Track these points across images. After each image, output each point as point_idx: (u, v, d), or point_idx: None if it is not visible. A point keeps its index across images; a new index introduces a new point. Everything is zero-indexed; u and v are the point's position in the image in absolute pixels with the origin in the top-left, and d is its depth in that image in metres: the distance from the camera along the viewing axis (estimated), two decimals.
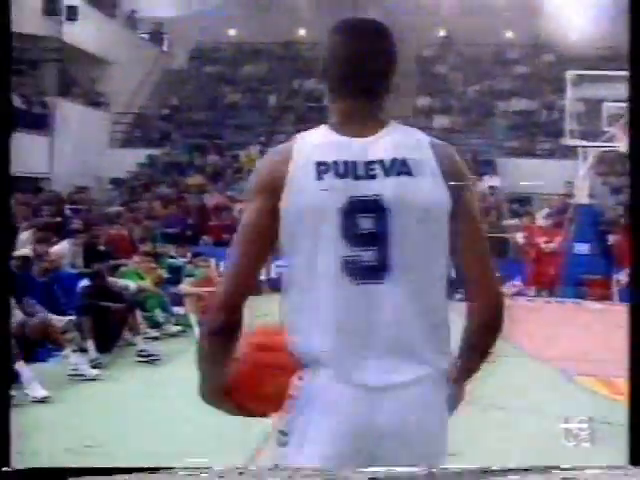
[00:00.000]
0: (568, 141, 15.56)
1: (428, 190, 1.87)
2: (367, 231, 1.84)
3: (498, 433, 5.84)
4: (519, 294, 15.21)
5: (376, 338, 1.83)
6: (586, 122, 15.48)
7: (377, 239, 1.84)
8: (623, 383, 7.59)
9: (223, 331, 1.89)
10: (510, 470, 2.31)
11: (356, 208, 1.84)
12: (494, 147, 21.21)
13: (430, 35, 25.13)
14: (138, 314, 8.96)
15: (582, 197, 15.61)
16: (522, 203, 19.04)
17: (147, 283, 9.99)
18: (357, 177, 1.86)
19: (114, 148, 21.84)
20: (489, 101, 23.20)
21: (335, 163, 1.86)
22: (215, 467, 2.46)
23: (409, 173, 1.86)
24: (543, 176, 18.82)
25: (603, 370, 8.16)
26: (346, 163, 1.86)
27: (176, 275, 11.08)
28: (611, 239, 15.80)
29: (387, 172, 1.85)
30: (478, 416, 6.21)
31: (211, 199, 18.12)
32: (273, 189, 1.88)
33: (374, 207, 1.83)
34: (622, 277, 15.26)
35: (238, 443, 5.10)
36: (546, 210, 16.62)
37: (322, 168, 1.85)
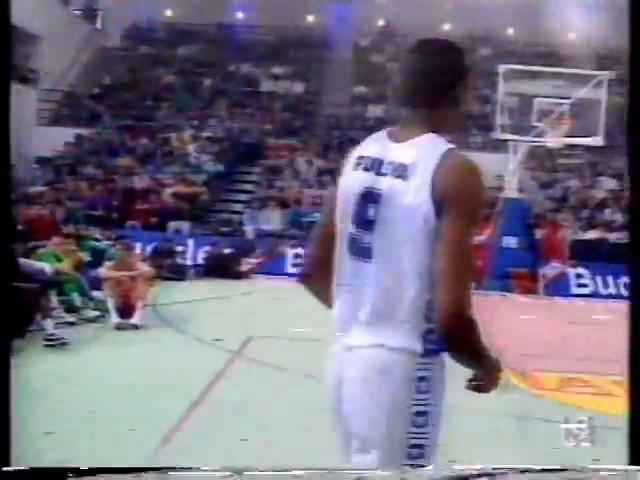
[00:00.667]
0: (499, 135, 15.62)
1: (412, 195, 2.10)
2: (368, 217, 2.17)
3: None
4: None
5: (360, 307, 2.17)
6: (517, 117, 15.57)
7: (372, 225, 2.16)
8: (543, 377, 7.59)
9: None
10: (510, 470, 2.22)
11: (366, 197, 2.18)
12: None
13: (368, 25, 25.04)
14: (53, 298, 8.59)
15: (511, 191, 15.70)
16: None
17: (65, 266, 9.65)
18: (378, 173, 2.19)
19: (42, 126, 21.13)
20: None
21: (368, 158, 2.23)
22: (216, 468, 2.49)
23: (403, 177, 2.12)
24: None
25: (524, 364, 8.14)
26: (374, 160, 2.21)
27: (99, 258, 10.87)
28: (539, 233, 15.93)
29: (392, 172, 2.15)
30: None
31: (140, 182, 17.69)
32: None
33: (375, 199, 2.16)
34: (548, 271, 15.43)
35: (150, 429, 5.04)
36: None
37: (358, 161, 2.25)
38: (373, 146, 2.27)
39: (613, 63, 20.93)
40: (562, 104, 14.75)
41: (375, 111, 22.27)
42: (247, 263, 14.58)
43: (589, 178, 19.84)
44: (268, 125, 20.98)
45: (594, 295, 15.41)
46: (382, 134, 2.30)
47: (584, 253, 15.90)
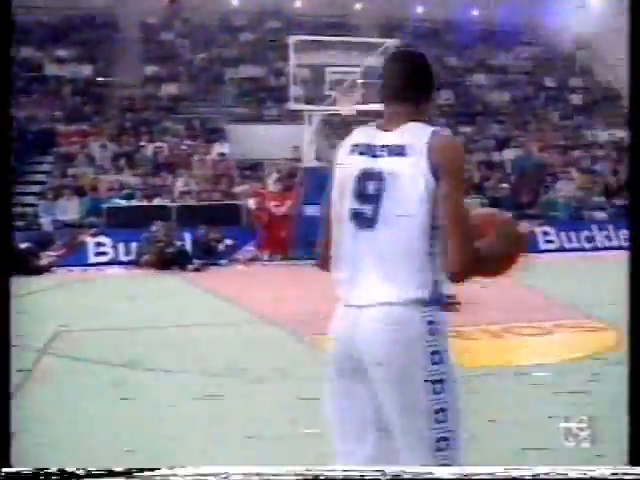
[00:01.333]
0: (293, 106, 15.76)
1: (413, 167, 2.50)
2: (368, 193, 2.55)
3: (239, 400, 5.68)
4: (253, 259, 15.38)
5: (366, 270, 2.51)
6: (310, 87, 15.79)
7: (373, 199, 2.54)
8: None
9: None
10: (510, 469, 2.20)
11: (365, 176, 2.58)
12: (223, 114, 21.15)
13: (154, 1, 24.37)
14: None
15: (309, 161, 15.94)
16: (252, 169, 19.22)
17: None
18: (374, 156, 2.60)
19: None
20: (217, 68, 23.04)
21: (362, 145, 2.65)
22: (217, 470, 2.52)
23: (402, 154, 2.54)
24: (272, 141, 19.11)
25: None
26: (368, 145, 2.63)
27: None
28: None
29: (389, 153, 2.56)
30: (207, 385, 6.04)
31: None
32: None
33: (374, 177, 2.55)
34: None
35: None
36: (275, 175, 16.84)
37: (352, 148, 2.67)
38: (364, 135, 2.69)
39: (396, 31, 21.92)
40: (352, 73, 15.11)
41: (169, 89, 21.82)
42: (46, 256, 13.87)
43: None
44: (57, 111, 19.93)
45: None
46: (370, 126, 2.73)
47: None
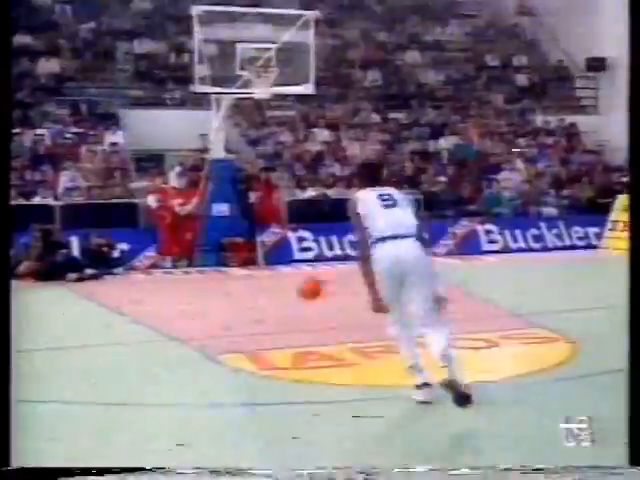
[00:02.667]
0: (199, 88, 15.71)
1: (408, 205, 6.40)
2: (389, 199, 6.30)
3: (136, 430, 5.65)
4: (154, 266, 15.31)
5: (401, 223, 6.16)
6: (218, 66, 15.76)
7: (393, 200, 6.31)
8: (273, 356, 7.88)
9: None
10: (510, 470, 2.31)
11: (386, 207, 6.27)
12: (115, 97, 20.94)
13: None
14: None
15: (218, 151, 15.95)
16: (151, 161, 19.11)
17: None
18: (385, 200, 6.29)
19: None
20: (107, 42, 22.75)
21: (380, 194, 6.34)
22: (207, 467, 2.97)
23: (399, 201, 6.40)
24: (173, 129, 19.02)
25: (251, 344, 8.39)
26: (381, 194, 6.32)
27: None
28: (252, 197, 16.43)
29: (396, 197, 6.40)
30: (109, 416, 6.01)
31: None
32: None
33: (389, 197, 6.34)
34: (267, 238, 16.03)
35: None
36: (178, 168, 16.76)
37: (379, 195, 6.32)
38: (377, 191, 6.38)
39: (319, 2, 22.08)
40: (268, 49, 15.16)
41: (48, 66, 21.37)
42: None
43: (302, 131, 20.79)
44: None
45: (320, 259, 16.29)
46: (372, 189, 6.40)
47: (305, 214, 16.72)
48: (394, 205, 6.18)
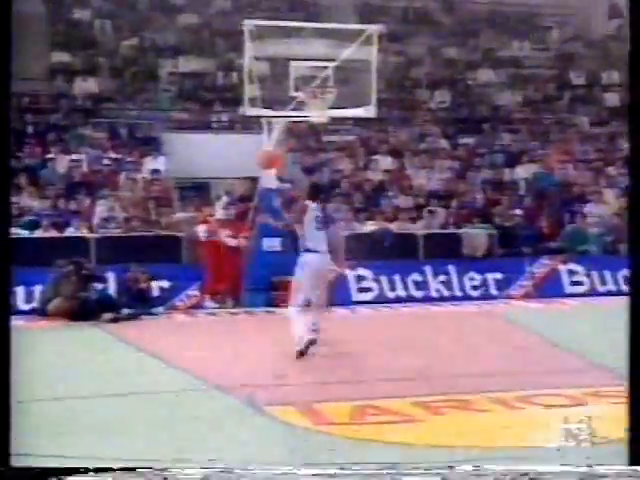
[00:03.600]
0: (248, 110, 15.85)
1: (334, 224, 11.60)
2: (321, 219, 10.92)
3: None
4: (197, 306, 15.44)
5: (321, 246, 10.81)
6: (270, 87, 15.90)
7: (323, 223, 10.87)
8: (328, 409, 7.87)
9: None
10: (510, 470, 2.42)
11: (318, 229, 10.91)
12: (157, 119, 21.26)
13: None
14: None
15: (269, 180, 16.05)
16: (196, 190, 19.33)
17: None
18: (318, 222, 10.91)
19: None
20: (150, 60, 23.10)
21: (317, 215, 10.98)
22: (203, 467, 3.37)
23: None
24: (221, 155, 19.22)
25: (305, 395, 8.39)
26: (317, 215, 11.00)
27: None
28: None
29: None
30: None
31: None
32: None
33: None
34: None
35: None
36: (226, 198, 16.92)
37: (316, 217, 11.00)
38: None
39: (382, 15, 22.21)
40: (325, 68, 15.24)
41: (85, 86, 21.85)
42: None
43: (362, 157, 20.86)
44: None
45: (380, 300, 16.27)
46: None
47: (364, 250, 16.74)
48: (325, 227, 10.71)
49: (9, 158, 3.05)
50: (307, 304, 10.78)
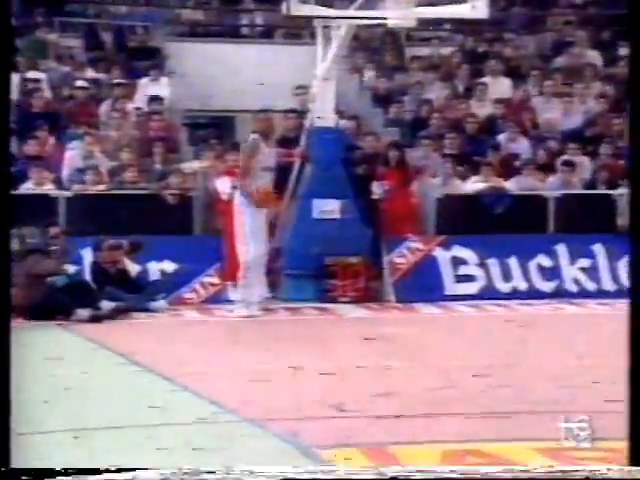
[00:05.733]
0: (294, 9, 15.49)
1: None
2: None
3: None
4: (214, 299, 15.72)
5: None
6: None
7: None
8: (408, 454, 7.92)
9: None
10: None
11: None
12: (158, 20, 21.34)
13: None
14: None
15: (323, 114, 16.21)
16: (214, 128, 19.67)
17: None
18: None
19: None
20: None
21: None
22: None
23: None
24: (252, 76, 19.41)
25: (375, 433, 8.44)
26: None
27: None
28: (377, 190, 16.49)
29: None
30: None
31: None
32: None
33: None
34: (399, 258, 16.06)
35: None
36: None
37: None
38: None
39: None
40: None
41: None
42: None
43: (465, 81, 20.83)
44: None
45: (489, 294, 16.46)
46: None
47: (465, 219, 16.72)
48: None
49: None
50: None
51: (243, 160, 15.17)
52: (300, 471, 3.95)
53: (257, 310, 14.72)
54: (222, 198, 15.86)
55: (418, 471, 4.70)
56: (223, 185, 15.99)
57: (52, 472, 4.02)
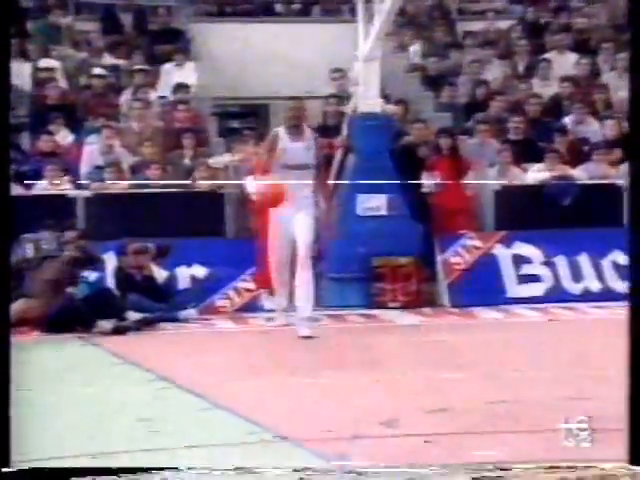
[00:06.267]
0: None
1: None
2: None
3: None
4: (249, 307, 15.82)
5: None
6: None
7: None
8: None
9: None
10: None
11: None
12: (182, 2, 21.43)
13: None
14: None
15: (367, 99, 16.27)
16: (247, 117, 19.50)
17: None
18: None
19: None
20: None
21: None
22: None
23: None
24: (287, 59, 19.44)
25: (437, 452, 8.44)
26: None
27: None
28: (428, 182, 16.50)
29: None
30: None
31: None
32: None
33: None
34: (454, 257, 16.04)
35: None
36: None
37: None
38: None
39: None
40: None
41: None
42: None
43: (526, 58, 20.76)
44: None
45: (557, 296, 16.33)
46: None
47: (527, 213, 16.68)
48: None
49: None
50: None
51: (260, 156, 14.96)
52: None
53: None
54: (251, 196, 15.82)
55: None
56: (253, 182, 15.97)
57: (53, 472, 4.06)
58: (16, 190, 16.05)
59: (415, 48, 20.59)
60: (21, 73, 18.95)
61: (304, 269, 13.89)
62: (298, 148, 14.14)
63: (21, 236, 14.89)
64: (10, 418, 4.31)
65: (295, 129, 14.28)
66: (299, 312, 13.93)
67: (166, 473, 5.14)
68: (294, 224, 14.01)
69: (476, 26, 21.45)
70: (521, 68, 20.56)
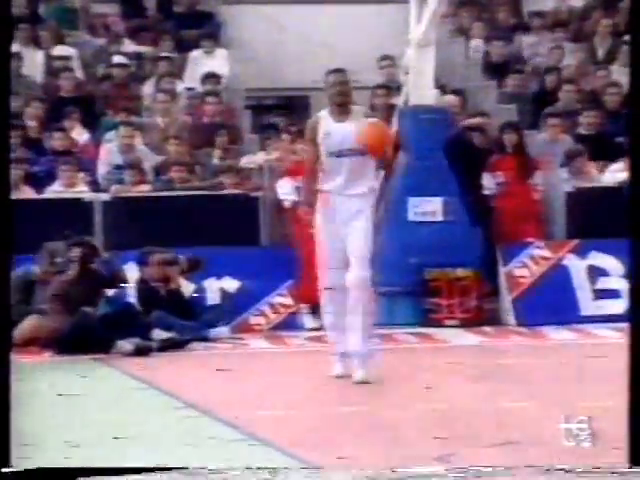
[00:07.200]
0: None
1: None
2: None
3: None
4: (288, 324, 15.98)
5: None
6: None
7: None
8: None
9: None
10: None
11: None
12: None
13: None
14: None
15: (420, 90, 16.25)
16: (285, 111, 19.71)
17: None
18: None
19: None
20: None
21: None
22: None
23: None
24: (329, 44, 19.46)
25: None
26: None
27: None
28: (490, 184, 16.54)
29: None
30: None
31: None
32: None
33: None
34: (520, 269, 16.07)
35: None
36: None
37: None
38: None
39: None
40: None
41: None
42: None
43: (604, 42, 20.73)
44: None
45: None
46: None
47: (603, 219, 16.67)
48: None
49: None
50: None
51: (302, 151, 14.94)
52: None
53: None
54: (286, 203, 15.95)
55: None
56: (284, 187, 16.07)
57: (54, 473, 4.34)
58: (26, 193, 16.24)
59: (475, 31, 20.57)
60: (33, 62, 19.11)
61: (359, 289, 12.50)
62: (345, 130, 12.83)
63: (43, 244, 15.03)
64: (10, 419, 4.37)
65: (340, 108, 13.04)
66: (350, 345, 12.52)
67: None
68: (346, 233, 12.80)
69: (546, 5, 21.39)
70: (599, 53, 20.49)
